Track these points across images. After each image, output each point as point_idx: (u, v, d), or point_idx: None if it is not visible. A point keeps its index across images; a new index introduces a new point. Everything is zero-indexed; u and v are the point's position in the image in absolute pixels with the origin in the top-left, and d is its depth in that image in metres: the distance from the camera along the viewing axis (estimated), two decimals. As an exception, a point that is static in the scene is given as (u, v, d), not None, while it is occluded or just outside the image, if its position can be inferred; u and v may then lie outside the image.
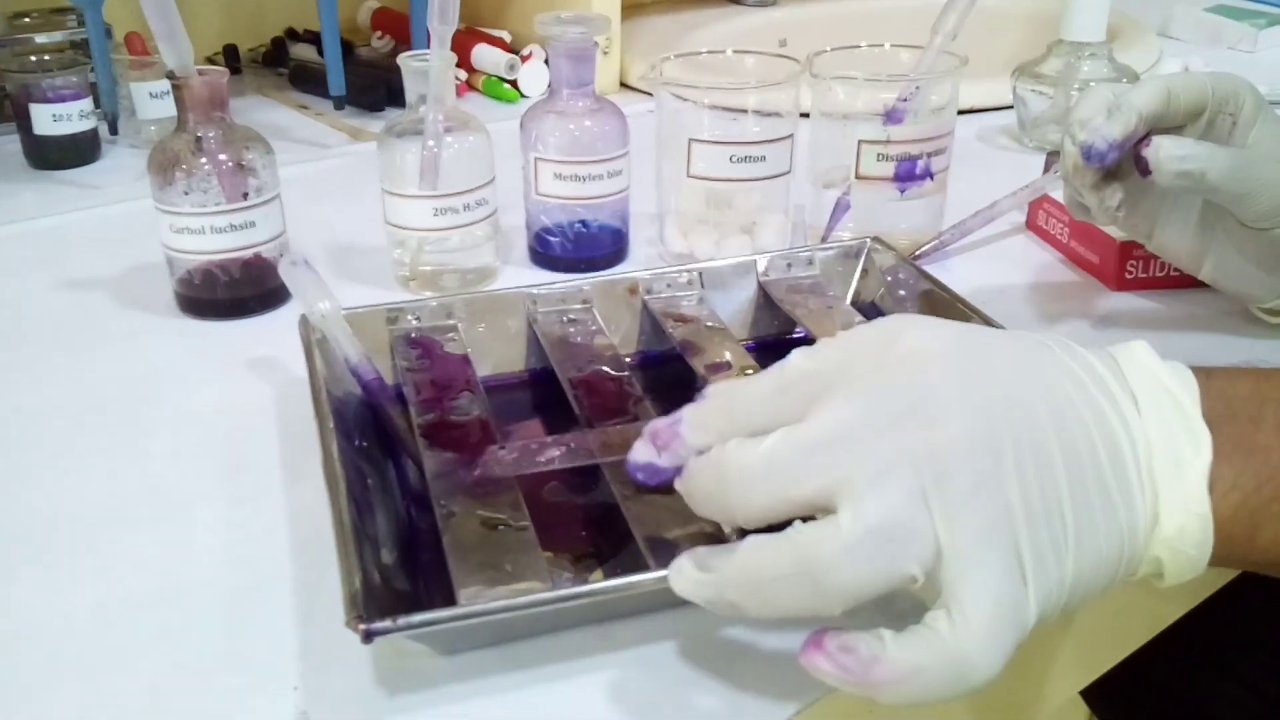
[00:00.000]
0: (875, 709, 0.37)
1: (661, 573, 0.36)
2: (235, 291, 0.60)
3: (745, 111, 0.62)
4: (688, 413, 0.35)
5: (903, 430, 0.31)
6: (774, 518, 0.32)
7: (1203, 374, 0.34)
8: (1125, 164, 0.50)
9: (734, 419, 0.34)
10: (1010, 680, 0.44)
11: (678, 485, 0.35)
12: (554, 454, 0.43)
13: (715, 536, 0.39)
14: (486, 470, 0.42)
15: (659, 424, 0.35)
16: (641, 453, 0.36)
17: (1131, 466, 0.32)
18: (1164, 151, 0.47)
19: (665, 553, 0.38)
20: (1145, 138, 0.49)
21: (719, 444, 0.33)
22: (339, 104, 0.91)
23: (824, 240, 0.66)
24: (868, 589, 0.30)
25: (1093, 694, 0.69)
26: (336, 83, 0.89)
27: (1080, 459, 0.32)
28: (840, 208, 0.65)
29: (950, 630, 0.30)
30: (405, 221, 0.61)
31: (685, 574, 0.33)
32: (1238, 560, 0.34)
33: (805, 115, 0.65)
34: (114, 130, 0.85)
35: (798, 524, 0.31)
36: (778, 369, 0.34)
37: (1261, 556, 0.33)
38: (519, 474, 0.42)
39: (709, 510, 0.34)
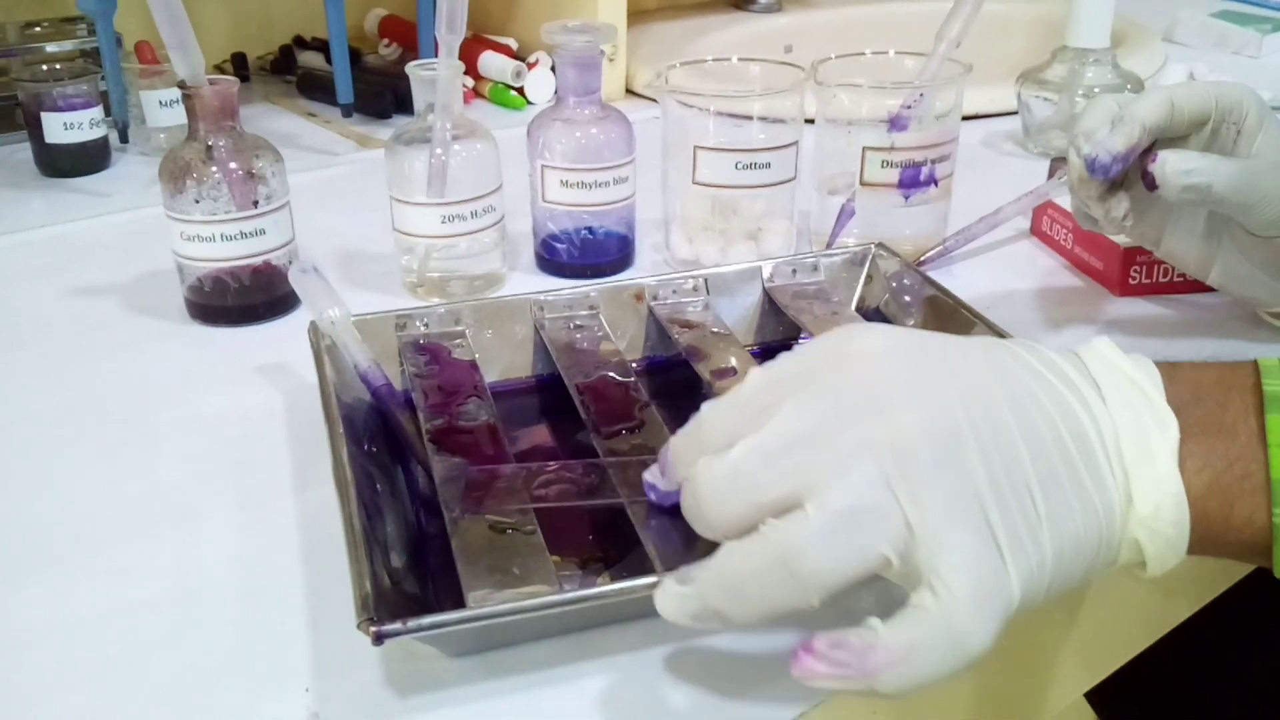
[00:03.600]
0: (879, 710, 0.37)
1: (667, 576, 0.36)
2: (245, 298, 0.61)
3: (750, 118, 0.62)
4: (672, 442, 0.37)
5: (859, 424, 0.32)
6: (750, 526, 0.33)
7: (1168, 366, 0.35)
8: (1131, 173, 0.51)
9: (701, 442, 0.35)
10: (1014, 682, 0.44)
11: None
12: (550, 490, 0.43)
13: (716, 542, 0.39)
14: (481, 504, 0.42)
15: (664, 450, 0.37)
16: (650, 473, 0.38)
17: (1099, 449, 0.33)
18: (1169, 166, 0.48)
19: (673, 556, 0.38)
20: (1150, 150, 0.49)
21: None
22: (347, 111, 0.91)
23: (829, 246, 0.66)
24: (843, 572, 0.31)
25: (1097, 696, 0.69)
26: (344, 90, 0.89)
27: (1043, 442, 0.32)
28: (845, 214, 0.66)
29: (937, 603, 0.30)
30: (413, 228, 0.61)
31: (668, 592, 0.34)
32: (1216, 542, 0.34)
33: (810, 122, 0.65)
34: (124, 138, 0.86)
35: (769, 520, 0.32)
36: (735, 388, 0.35)
37: (1237, 537, 0.33)
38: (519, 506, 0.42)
39: (699, 528, 0.35)
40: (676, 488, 0.36)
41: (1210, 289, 0.57)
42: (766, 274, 0.58)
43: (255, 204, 0.59)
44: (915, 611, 0.31)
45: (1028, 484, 0.32)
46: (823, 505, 0.31)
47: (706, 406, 0.36)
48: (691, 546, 0.39)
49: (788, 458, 0.32)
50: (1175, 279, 0.62)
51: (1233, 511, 0.33)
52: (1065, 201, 0.68)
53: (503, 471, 0.43)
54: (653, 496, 0.39)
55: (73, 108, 0.83)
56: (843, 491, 0.31)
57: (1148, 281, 0.62)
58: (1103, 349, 0.35)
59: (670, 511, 0.38)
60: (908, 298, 0.57)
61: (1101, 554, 0.33)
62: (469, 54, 1.01)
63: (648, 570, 0.38)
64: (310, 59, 1.07)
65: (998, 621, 0.31)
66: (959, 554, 0.30)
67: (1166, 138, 0.50)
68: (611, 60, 1.02)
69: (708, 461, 0.34)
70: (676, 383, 0.54)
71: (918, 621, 0.30)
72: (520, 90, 1.00)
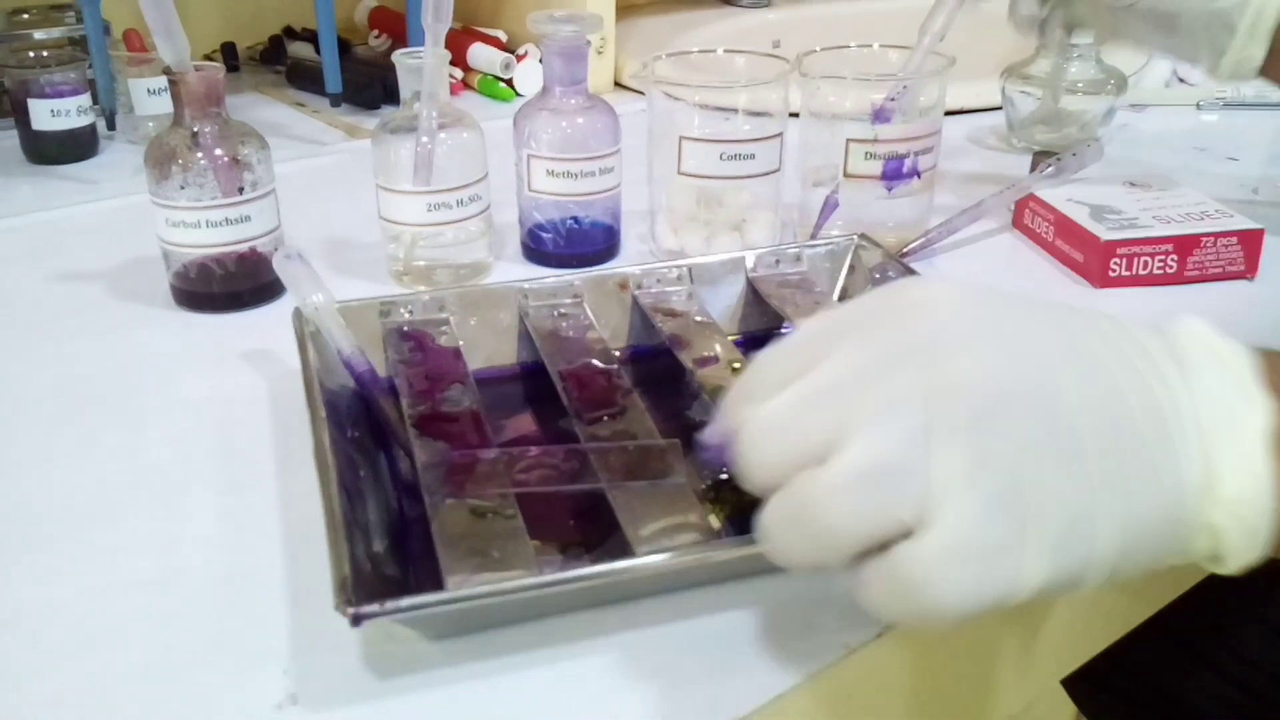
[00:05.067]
0: (855, 693, 0.38)
1: (645, 560, 0.37)
2: (230, 285, 0.61)
3: (735, 110, 0.63)
4: (726, 396, 0.35)
5: (902, 372, 0.30)
6: (788, 473, 0.31)
7: (1271, 353, 0.32)
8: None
9: (750, 393, 0.33)
10: (989, 668, 0.45)
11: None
12: (533, 475, 0.43)
13: (699, 526, 0.40)
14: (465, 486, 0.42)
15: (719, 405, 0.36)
16: (703, 432, 0.36)
17: (1173, 422, 0.30)
18: None
19: (651, 542, 0.39)
20: None
21: None
22: (335, 101, 0.91)
23: (814, 238, 0.67)
24: (855, 535, 0.29)
25: (1073, 683, 0.70)
26: (333, 80, 0.89)
27: (1107, 414, 0.30)
28: (829, 205, 0.66)
29: (904, 552, 0.29)
30: (399, 217, 0.62)
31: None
32: None
33: (795, 115, 0.66)
34: (111, 126, 0.86)
35: (800, 471, 0.31)
36: (789, 335, 0.34)
37: None
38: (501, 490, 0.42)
39: (748, 481, 0.33)
40: (722, 440, 0.34)
41: (1192, 280, 0.59)
42: (750, 264, 0.58)
43: (241, 190, 0.59)
44: (888, 554, 0.29)
45: (1081, 453, 0.29)
46: (846, 461, 0.29)
47: (759, 354, 0.34)
48: (672, 533, 0.39)
49: (826, 405, 0.30)
50: (1155, 272, 0.63)
51: None
52: (1047, 195, 0.68)
53: (484, 456, 0.43)
54: (705, 456, 0.36)
55: (60, 95, 0.83)
56: (868, 447, 0.29)
57: (1128, 274, 0.63)
58: (1194, 326, 0.32)
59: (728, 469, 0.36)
60: (890, 289, 0.57)
61: (1170, 538, 0.30)
62: (458, 46, 1.01)
63: (627, 555, 0.38)
64: (300, 49, 1.07)
65: (975, 589, 0.29)
66: (956, 514, 0.28)
67: None
68: (600, 53, 1.02)
69: (751, 409, 0.32)
70: (660, 371, 0.54)
71: (882, 563, 0.30)
72: (509, 82, 1.01)
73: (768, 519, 0.32)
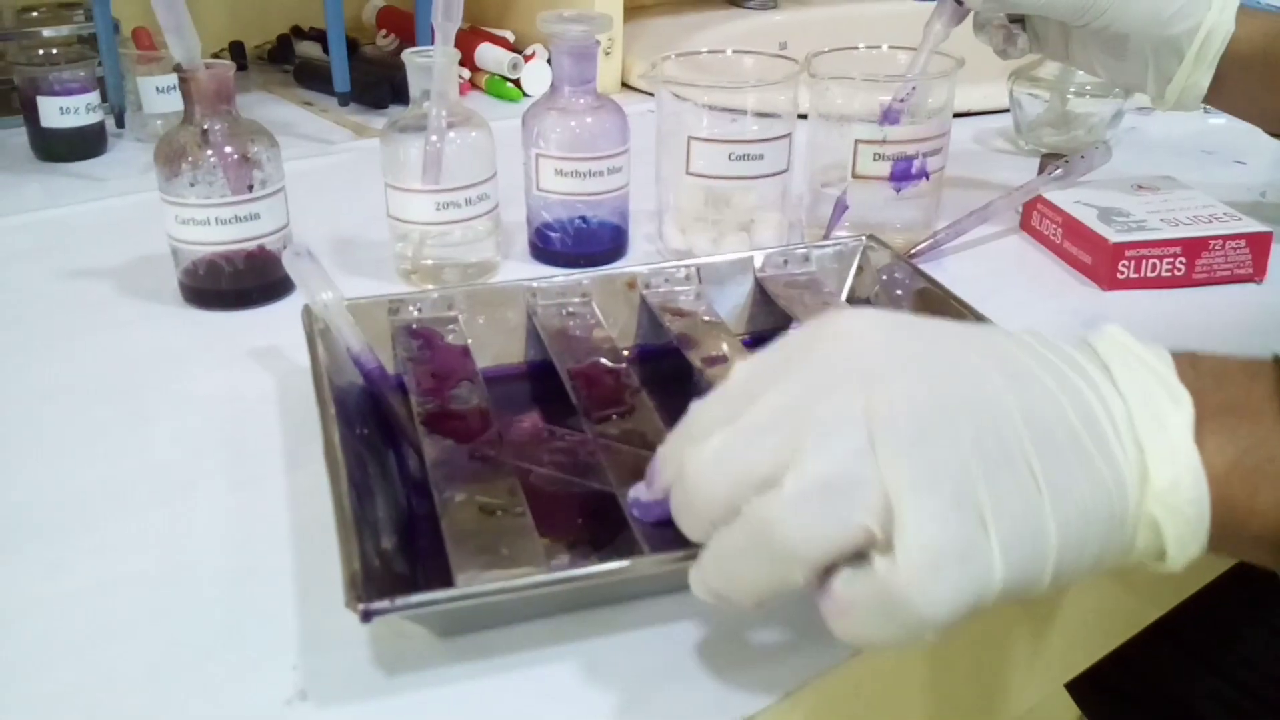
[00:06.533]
0: (860, 694, 0.38)
1: (654, 558, 0.37)
2: (239, 283, 0.61)
3: (744, 111, 0.63)
4: (659, 449, 0.36)
5: (840, 395, 0.31)
6: (737, 502, 0.31)
7: (1189, 354, 0.34)
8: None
9: (690, 437, 0.34)
10: (994, 670, 0.45)
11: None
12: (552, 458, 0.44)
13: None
14: (485, 451, 0.43)
15: (651, 460, 0.36)
16: (635, 488, 0.37)
17: (1106, 424, 0.31)
18: None
19: (660, 540, 0.39)
20: None
21: None
22: (343, 101, 0.92)
23: (825, 239, 0.67)
24: (819, 546, 0.30)
25: (1078, 686, 0.70)
26: (341, 80, 0.89)
27: (1042, 416, 0.31)
28: (839, 207, 0.66)
29: (886, 567, 0.29)
30: (407, 215, 0.62)
31: (692, 574, 0.33)
32: (1237, 532, 0.32)
33: (803, 116, 0.66)
34: (120, 124, 0.86)
35: (751, 497, 0.31)
36: (722, 383, 0.35)
37: (1261, 525, 0.31)
38: (516, 463, 0.43)
39: (690, 527, 0.33)
40: (664, 494, 0.35)
41: (1200, 282, 0.60)
42: (758, 264, 0.58)
43: (250, 188, 0.59)
44: (866, 571, 0.30)
45: (1024, 455, 0.30)
46: (798, 476, 0.30)
47: (694, 404, 0.35)
48: (680, 534, 0.39)
49: (770, 434, 0.31)
50: (1163, 274, 0.63)
51: (1258, 494, 0.31)
52: (1055, 197, 0.68)
53: (528, 428, 0.43)
54: (636, 512, 0.38)
55: (69, 92, 0.83)
56: (819, 461, 0.30)
57: (1135, 276, 0.63)
58: (1114, 333, 0.34)
59: (658, 525, 0.37)
60: (898, 290, 0.57)
61: (1115, 533, 0.31)
62: (466, 46, 1.01)
63: (636, 553, 0.38)
64: (308, 49, 1.07)
65: (954, 596, 0.29)
66: (918, 522, 0.29)
67: None
68: (608, 53, 1.02)
69: (693, 450, 0.33)
70: (667, 370, 0.54)
71: (862, 580, 0.30)
72: (517, 82, 1.01)
73: (718, 553, 0.32)
